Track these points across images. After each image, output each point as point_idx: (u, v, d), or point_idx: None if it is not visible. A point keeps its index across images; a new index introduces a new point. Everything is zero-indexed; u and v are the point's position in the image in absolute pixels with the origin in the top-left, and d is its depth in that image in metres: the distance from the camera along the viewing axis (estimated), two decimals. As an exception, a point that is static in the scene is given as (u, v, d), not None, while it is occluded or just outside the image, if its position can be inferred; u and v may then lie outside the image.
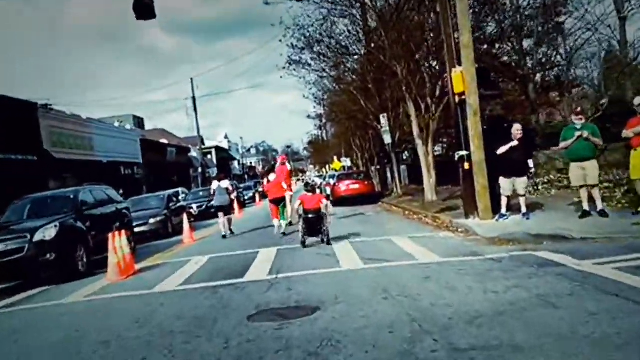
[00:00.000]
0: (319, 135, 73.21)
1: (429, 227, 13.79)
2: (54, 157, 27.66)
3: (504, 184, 11.75)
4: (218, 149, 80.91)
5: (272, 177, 15.90)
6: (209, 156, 75.13)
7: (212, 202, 21.46)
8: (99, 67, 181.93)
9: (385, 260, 8.91)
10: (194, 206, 28.87)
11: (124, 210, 14.91)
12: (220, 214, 16.63)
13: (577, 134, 10.23)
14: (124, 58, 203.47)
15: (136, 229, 17.99)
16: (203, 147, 67.81)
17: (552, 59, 26.45)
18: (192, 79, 49.61)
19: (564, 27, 25.47)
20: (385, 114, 24.19)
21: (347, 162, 51.93)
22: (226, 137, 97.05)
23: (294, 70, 24.76)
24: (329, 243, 11.50)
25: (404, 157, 37.85)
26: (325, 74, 26.42)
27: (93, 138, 33.82)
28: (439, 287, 6.60)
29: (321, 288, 7.24)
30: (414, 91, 18.19)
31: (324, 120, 55.32)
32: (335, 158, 58.80)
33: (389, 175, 34.83)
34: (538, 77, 26.35)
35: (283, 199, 15.28)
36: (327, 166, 75.06)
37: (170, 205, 20.50)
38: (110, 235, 10.46)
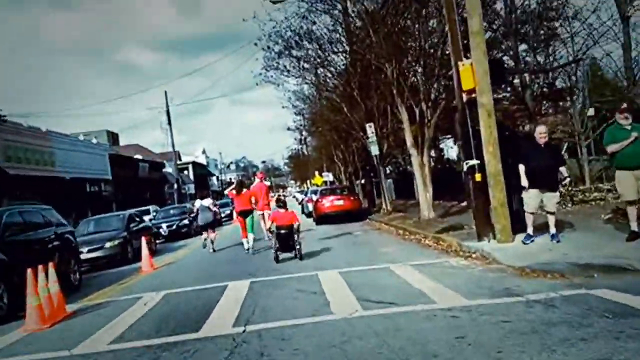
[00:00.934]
0: (299, 150, 70.97)
1: (432, 250, 11.59)
2: (7, 174, 25.08)
3: (529, 198, 9.63)
4: (195, 164, 78.22)
5: (243, 190, 15.31)
6: (185, 172, 72.42)
7: (191, 220, 23.62)
8: (75, 83, 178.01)
9: (391, 303, 6.66)
10: (164, 226, 26.36)
11: (67, 235, 12.41)
12: (204, 232, 17.07)
13: (635, 134, 8.13)
14: (100, 74, 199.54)
15: (89, 255, 15.69)
16: (179, 162, 65.17)
17: (548, 65, 24.62)
18: (165, 92, 47.20)
19: (557, 32, 23.73)
20: (372, 123, 22.09)
21: (329, 176, 49.69)
22: (204, 152, 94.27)
23: (272, 77, 22.63)
24: (301, 258, 11.66)
25: (387, 171, 35.77)
26: (306, 81, 24.21)
27: (55, 152, 31.24)
28: (487, 358, 4.36)
29: (307, 356, 4.96)
30: (405, 94, 16.05)
31: (304, 134, 53.09)
32: (316, 173, 56.61)
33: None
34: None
35: (251, 211, 14.97)
36: (309, 181, 72.92)
37: (131, 226, 17.93)
38: (29, 270, 8.02)
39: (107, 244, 15.99)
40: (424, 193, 16.37)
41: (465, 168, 10.66)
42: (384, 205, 23.95)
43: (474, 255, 9.83)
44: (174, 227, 26.32)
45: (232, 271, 11.59)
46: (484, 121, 9.99)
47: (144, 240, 14.29)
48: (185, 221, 26.79)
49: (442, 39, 14.15)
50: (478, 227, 10.60)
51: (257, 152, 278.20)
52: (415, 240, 13.65)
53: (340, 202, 23.24)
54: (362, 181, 35.96)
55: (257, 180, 17.14)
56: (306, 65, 22.34)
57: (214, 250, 16.37)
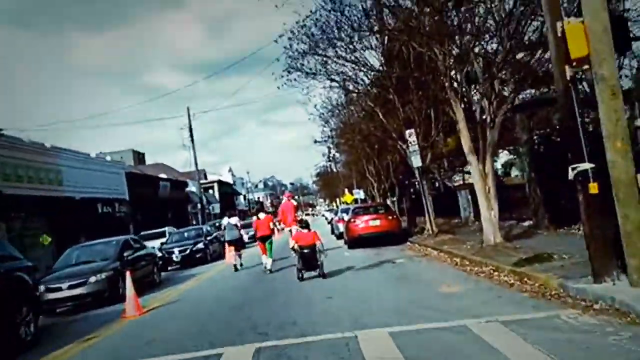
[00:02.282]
0: (327, 167, 67.64)
1: (518, 293, 8.14)
2: (1, 193, 22.45)
3: None
4: (221, 183, 75.57)
5: (261, 215, 16.11)
6: (210, 191, 69.84)
7: (207, 243, 24.42)
8: (105, 105, 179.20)
9: None
10: (176, 251, 23.25)
11: (18, 274, 9.31)
12: (231, 248, 18.35)
13: None
14: (131, 95, 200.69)
15: (69, 292, 12.77)
16: (204, 181, 62.58)
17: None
18: (188, 107, 44.34)
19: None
20: (413, 130, 18.82)
21: (359, 194, 46.32)
22: (230, 170, 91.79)
23: (295, 80, 19.61)
24: (324, 277, 11.92)
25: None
26: (333, 83, 21.03)
27: (62, 170, 28.55)
28: None
29: None
30: (463, 86, 12.69)
31: (332, 151, 49.55)
32: (346, 190, 53.26)
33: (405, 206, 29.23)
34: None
35: (270, 236, 15.75)
36: (338, 199, 69.75)
37: (126, 254, 14.80)
38: None
39: (92, 278, 12.85)
40: (487, 211, 12.85)
41: (571, 175, 7.23)
42: (427, 226, 20.48)
43: (596, 306, 6.43)
44: (188, 252, 23.16)
45: (236, 322, 8.38)
46: (605, 104, 6.64)
47: (128, 275, 11.09)
48: (200, 245, 23.66)
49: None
50: (596, 262, 7.13)
51: (286, 171, 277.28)
52: (484, 275, 10.18)
53: (377, 222, 19.81)
54: (395, 198, 32.51)
55: (284, 199, 17.96)
56: (334, 66, 19.33)
57: (236, 269, 17.00)
